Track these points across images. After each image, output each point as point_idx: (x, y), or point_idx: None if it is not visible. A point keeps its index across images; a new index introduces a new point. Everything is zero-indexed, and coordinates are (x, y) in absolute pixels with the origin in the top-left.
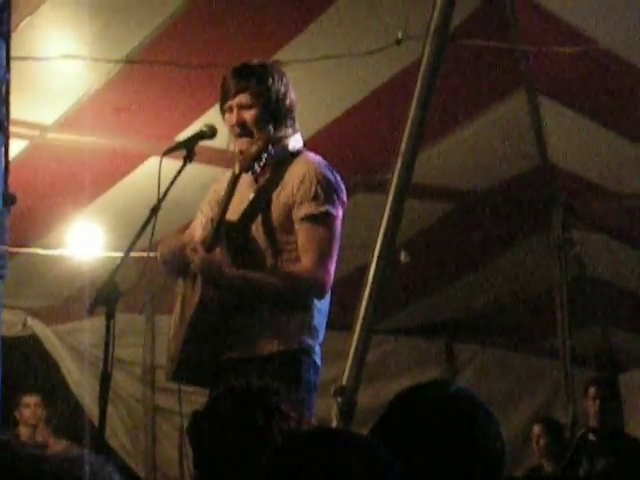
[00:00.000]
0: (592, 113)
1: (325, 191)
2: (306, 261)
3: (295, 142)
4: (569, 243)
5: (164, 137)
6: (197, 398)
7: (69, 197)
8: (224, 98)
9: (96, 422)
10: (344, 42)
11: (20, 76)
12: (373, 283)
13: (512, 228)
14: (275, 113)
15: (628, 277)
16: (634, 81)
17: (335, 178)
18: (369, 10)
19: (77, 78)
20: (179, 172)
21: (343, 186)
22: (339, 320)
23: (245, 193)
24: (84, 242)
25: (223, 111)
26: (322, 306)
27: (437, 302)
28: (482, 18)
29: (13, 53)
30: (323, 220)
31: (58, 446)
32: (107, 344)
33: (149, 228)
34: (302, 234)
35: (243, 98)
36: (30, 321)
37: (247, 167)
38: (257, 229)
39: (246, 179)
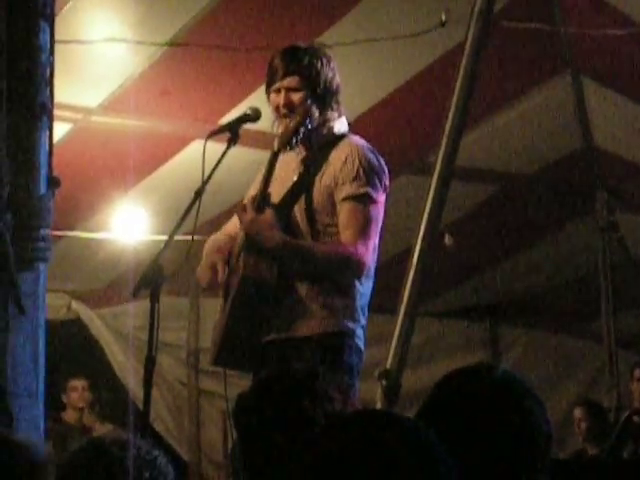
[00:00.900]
0: (636, 95)
1: (367, 173)
2: (345, 237)
3: (340, 125)
4: (613, 226)
5: (208, 120)
6: (242, 381)
7: (113, 180)
8: (271, 79)
9: (141, 405)
10: (388, 25)
11: (64, 59)
12: (417, 266)
13: (556, 211)
14: (322, 97)
15: None
16: None
17: (378, 161)
18: None
19: (121, 61)
20: (223, 155)
21: (386, 170)
22: (384, 303)
23: (289, 175)
24: (128, 225)
25: (269, 92)
26: (364, 289)
27: (481, 285)
28: (526, 0)
29: (57, 36)
30: (363, 201)
31: (103, 429)
32: (151, 327)
33: (193, 211)
34: (343, 213)
35: (292, 81)
36: (75, 305)
37: (285, 143)
38: (299, 211)
39: (291, 163)
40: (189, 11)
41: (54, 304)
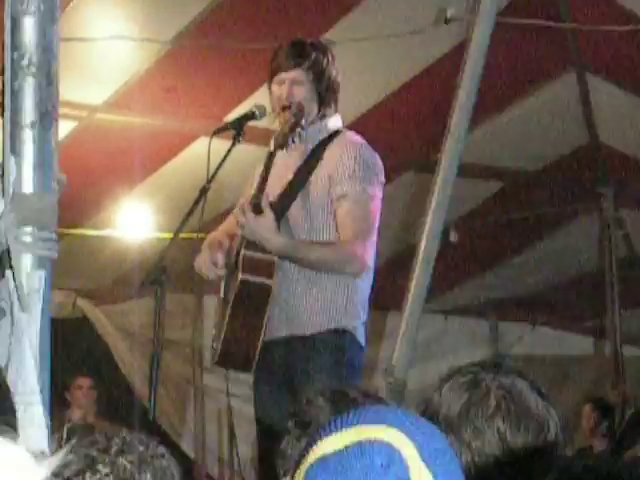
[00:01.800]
0: None
1: (363, 170)
2: (344, 236)
3: (335, 121)
4: (618, 223)
5: (213, 117)
6: (245, 378)
7: (118, 178)
8: (276, 70)
9: (146, 403)
10: (392, 22)
11: (69, 57)
12: (423, 262)
13: (561, 208)
14: (323, 93)
15: None
16: None
17: (374, 158)
18: None
19: (126, 59)
20: (228, 152)
21: (382, 166)
22: (389, 300)
23: (285, 174)
24: (133, 223)
25: (271, 82)
26: (364, 285)
27: (486, 282)
28: None
29: (62, 34)
30: (361, 198)
31: (106, 427)
32: (157, 325)
33: (199, 208)
34: (340, 211)
35: (297, 74)
36: (80, 302)
37: (281, 143)
38: (297, 210)
39: (288, 160)
40: (194, 8)
41: (59, 301)
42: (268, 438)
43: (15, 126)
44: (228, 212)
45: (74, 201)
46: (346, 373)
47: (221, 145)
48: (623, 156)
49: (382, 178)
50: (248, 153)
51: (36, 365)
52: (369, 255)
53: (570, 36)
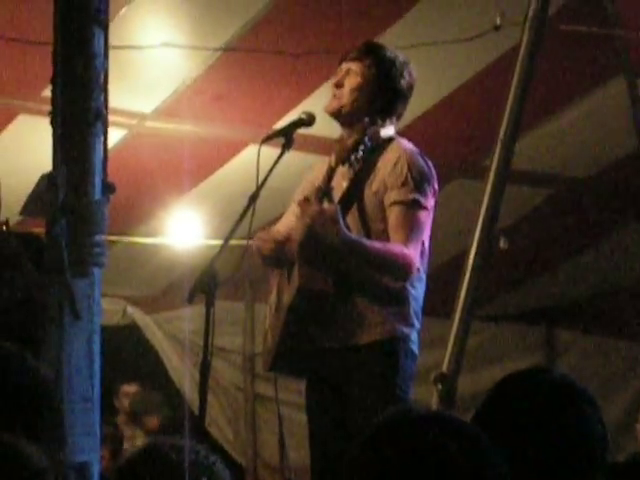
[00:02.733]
0: None
1: (415, 179)
2: (395, 240)
3: (387, 129)
4: None
5: (263, 125)
6: (296, 385)
7: (168, 185)
8: (340, 61)
9: (196, 410)
10: (442, 29)
11: (119, 65)
12: (473, 269)
13: (612, 214)
14: (382, 98)
15: None
16: None
17: (427, 166)
18: None
19: (176, 66)
20: (278, 160)
21: (435, 174)
22: (440, 307)
23: (339, 183)
24: (183, 230)
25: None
26: (417, 293)
27: (537, 288)
28: (580, 3)
29: (111, 42)
30: (412, 207)
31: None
32: (207, 332)
33: (248, 216)
34: (392, 218)
35: (354, 66)
36: (130, 310)
37: (343, 159)
38: (352, 220)
39: (341, 168)
40: (243, 16)
41: (109, 309)
42: (319, 446)
43: (65, 134)
44: (277, 219)
45: (124, 209)
46: (397, 382)
47: (270, 152)
48: None
49: (436, 186)
50: (297, 160)
51: (87, 372)
52: (418, 261)
53: (619, 42)
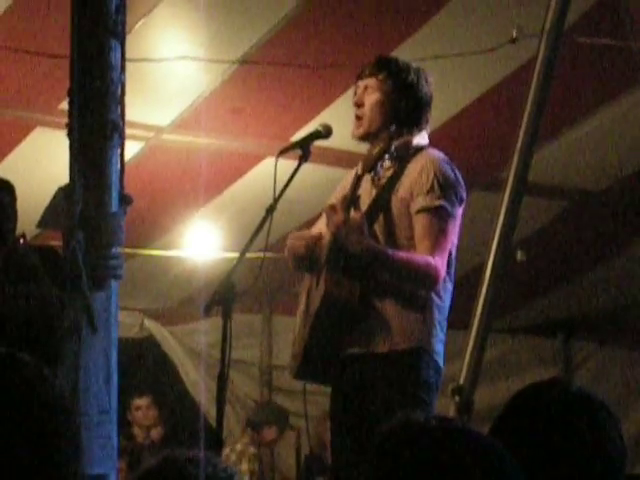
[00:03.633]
0: None
1: (442, 186)
2: (421, 249)
3: (420, 139)
4: None
5: (279, 137)
6: (317, 398)
7: (185, 198)
8: (356, 79)
9: (213, 423)
10: (459, 41)
11: (135, 78)
12: (490, 282)
13: (629, 226)
14: (404, 107)
15: None
16: None
17: (455, 174)
18: (484, 9)
19: (192, 79)
20: (295, 172)
21: (463, 183)
22: (457, 319)
23: (368, 191)
24: (200, 243)
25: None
26: (443, 303)
27: (554, 301)
28: (597, 15)
29: (128, 55)
30: (439, 214)
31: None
32: (224, 345)
33: (265, 228)
34: (418, 225)
35: (371, 82)
36: (147, 322)
37: (370, 168)
38: (379, 228)
39: (367, 176)
40: (260, 29)
41: (127, 322)
42: (341, 454)
43: (82, 147)
44: (294, 232)
45: (141, 221)
46: (419, 394)
47: (287, 165)
48: None
49: (463, 195)
50: (314, 173)
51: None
52: (443, 271)
53: (636, 54)
